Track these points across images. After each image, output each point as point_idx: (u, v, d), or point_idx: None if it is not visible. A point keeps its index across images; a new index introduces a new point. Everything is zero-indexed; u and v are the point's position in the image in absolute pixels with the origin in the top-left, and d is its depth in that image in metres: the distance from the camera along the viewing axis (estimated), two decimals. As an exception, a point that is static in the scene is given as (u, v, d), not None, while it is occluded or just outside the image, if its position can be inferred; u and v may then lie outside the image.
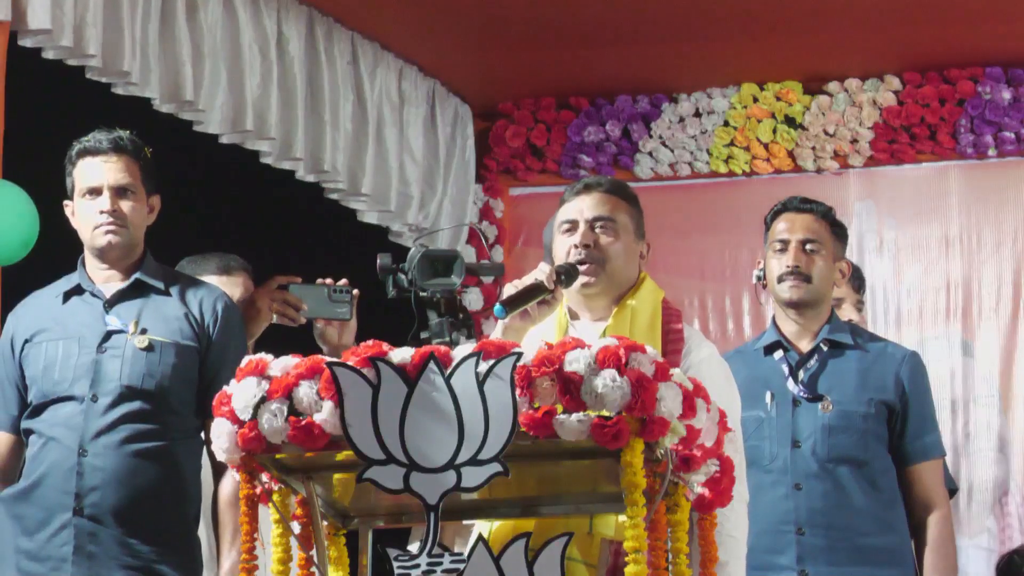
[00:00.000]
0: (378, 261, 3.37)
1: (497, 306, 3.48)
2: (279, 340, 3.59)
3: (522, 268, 7.52)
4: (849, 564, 4.31)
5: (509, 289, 3.54)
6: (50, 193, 4.45)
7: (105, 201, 4.12)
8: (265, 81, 6.36)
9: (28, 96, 5.31)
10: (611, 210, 3.74)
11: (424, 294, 3.30)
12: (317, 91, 6.67)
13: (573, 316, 3.75)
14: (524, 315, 3.55)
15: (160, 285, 4.17)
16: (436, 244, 7.35)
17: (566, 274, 3.63)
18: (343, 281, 4.32)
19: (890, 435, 4.41)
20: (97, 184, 4.13)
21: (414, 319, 3.32)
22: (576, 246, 3.69)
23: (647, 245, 3.81)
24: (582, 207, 3.74)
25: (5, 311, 4.52)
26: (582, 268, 3.67)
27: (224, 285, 4.47)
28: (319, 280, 4.34)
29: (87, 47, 5.44)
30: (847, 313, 5.09)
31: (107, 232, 4.13)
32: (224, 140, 6.26)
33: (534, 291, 3.54)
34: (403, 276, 3.34)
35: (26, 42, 5.30)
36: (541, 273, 3.57)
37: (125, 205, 4.13)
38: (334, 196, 6.92)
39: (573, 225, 3.73)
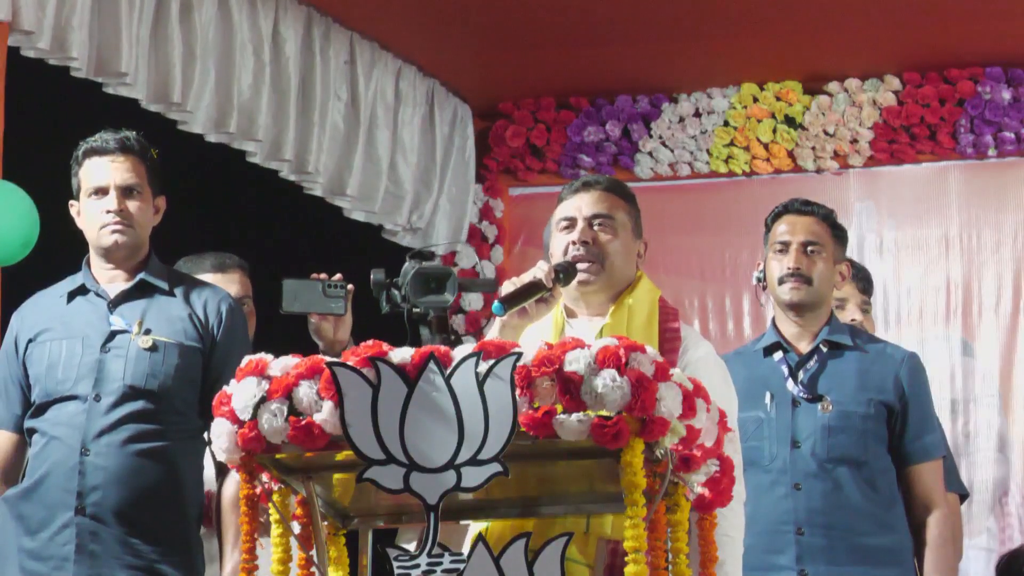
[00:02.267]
0: (372, 276, 3.36)
1: (496, 303, 3.47)
2: (279, 340, 3.58)
3: (522, 268, 7.45)
4: (848, 564, 4.31)
5: (507, 286, 3.53)
6: (50, 193, 4.45)
7: (112, 201, 4.12)
8: (257, 81, 6.34)
9: (29, 97, 5.30)
10: (609, 208, 3.73)
11: (417, 310, 3.30)
12: (309, 91, 6.66)
13: (570, 314, 3.74)
14: (522, 313, 3.54)
15: (164, 286, 4.18)
16: (432, 245, 7.34)
17: (564, 272, 3.62)
18: (337, 276, 4.33)
19: (890, 436, 4.41)
20: (104, 184, 4.13)
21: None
22: (574, 243, 3.69)
23: (644, 244, 3.80)
24: (580, 205, 3.73)
25: (5, 311, 4.52)
26: (580, 266, 3.66)
27: (219, 283, 4.49)
28: (313, 275, 4.34)
29: (71, 49, 5.43)
30: (852, 314, 5.06)
31: (113, 232, 4.13)
32: (211, 139, 6.25)
33: (532, 289, 3.53)
34: (396, 292, 3.33)
35: (8, 41, 5.28)
36: (540, 271, 3.56)
37: (132, 205, 4.14)
38: (321, 196, 6.90)
39: (571, 222, 3.73)
